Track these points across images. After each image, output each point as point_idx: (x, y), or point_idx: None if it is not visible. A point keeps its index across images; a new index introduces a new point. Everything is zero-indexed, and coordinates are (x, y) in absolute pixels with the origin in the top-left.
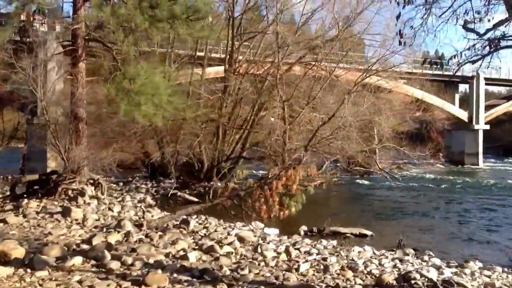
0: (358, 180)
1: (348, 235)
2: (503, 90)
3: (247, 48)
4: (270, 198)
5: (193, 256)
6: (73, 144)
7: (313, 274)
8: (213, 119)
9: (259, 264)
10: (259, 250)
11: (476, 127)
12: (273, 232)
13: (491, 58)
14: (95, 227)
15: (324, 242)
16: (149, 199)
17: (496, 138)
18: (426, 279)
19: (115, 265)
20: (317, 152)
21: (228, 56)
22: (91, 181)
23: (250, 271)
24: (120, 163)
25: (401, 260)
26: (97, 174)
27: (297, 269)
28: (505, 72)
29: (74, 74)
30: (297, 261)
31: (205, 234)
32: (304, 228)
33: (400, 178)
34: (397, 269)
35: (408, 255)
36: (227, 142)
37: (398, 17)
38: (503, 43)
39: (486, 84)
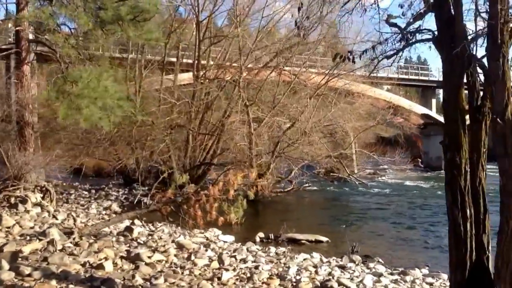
0: (330, 187)
1: (303, 241)
2: None
3: (218, 53)
4: (207, 204)
5: (109, 265)
6: (16, 149)
7: (234, 283)
8: (181, 125)
9: (182, 273)
10: (192, 258)
11: None
12: (228, 239)
13: (402, 53)
14: (21, 235)
15: (273, 249)
16: (115, 207)
17: None
18: None
19: (7, 275)
20: (286, 158)
21: (196, 61)
22: (39, 188)
23: (165, 281)
24: (98, 170)
25: (343, 268)
26: (57, 180)
27: (219, 278)
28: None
29: (18, 78)
30: (227, 269)
31: (143, 242)
32: (260, 234)
33: (368, 184)
34: (331, 277)
35: (354, 262)
36: (198, 148)
37: (299, 9)
38: (418, 37)
39: None
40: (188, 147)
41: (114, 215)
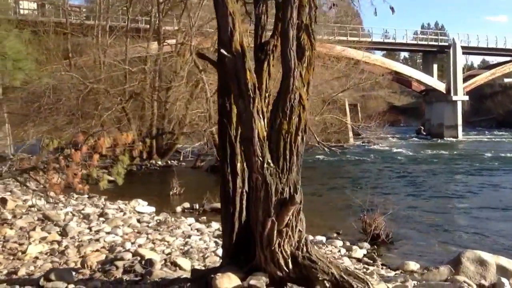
0: (321, 155)
1: None
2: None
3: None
4: (68, 171)
5: None
6: None
7: (36, 257)
8: (137, 93)
9: None
10: (36, 230)
11: (454, 98)
12: (148, 210)
13: None
14: None
15: (169, 219)
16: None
17: (489, 110)
18: (131, 259)
19: None
20: None
21: (156, 27)
22: None
23: None
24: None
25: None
26: None
27: (24, 252)
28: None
29: None
30: (58, 241)
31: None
32: (186, 205)
33: (338, 151)
34: (187, 247)
35: None
36: (167, 118)
37: None
38: None
39: (464, 53)
40: (153, 116)
41: None
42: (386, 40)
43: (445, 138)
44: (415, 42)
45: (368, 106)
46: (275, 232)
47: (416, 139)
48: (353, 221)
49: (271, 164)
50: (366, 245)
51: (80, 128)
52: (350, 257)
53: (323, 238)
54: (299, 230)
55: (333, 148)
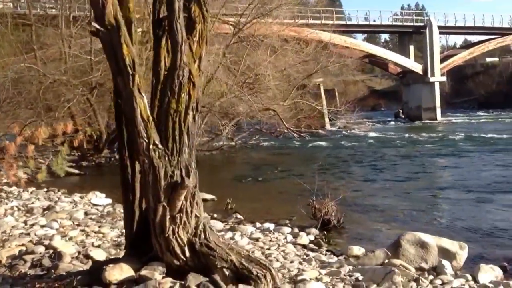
0: (295, 142)
1: None
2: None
3: None
4: (2, 163)
5: None
6: None
7: None
8: (101, 83)
9: None
10: None
11: (431, 79)
12: (104, 202)
13: None
14: None
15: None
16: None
17: (471, 91)
18: (43, 253)
19: None
20: (213, 113)
21: None
22: None
23: None
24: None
25: None
26: None
27: None
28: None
29: None
30: None
31: None
32: None
33: (307, 136)
34: (121, 239)
35: None
36: None
37: None
38: None
39: (441, 33)
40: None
41: None
42: (361, 22)
43: (423, 121)
44: (390, 23)
45: (348, 91)
46: (168, 218)
47: (394, 122)
48: (304, 207)
49: (159, 146)
50: (315, 231)
51: (43, 121)
52: (295, 244)
53: (271, 225)
54: (196, 215)
55: (302, 134)
